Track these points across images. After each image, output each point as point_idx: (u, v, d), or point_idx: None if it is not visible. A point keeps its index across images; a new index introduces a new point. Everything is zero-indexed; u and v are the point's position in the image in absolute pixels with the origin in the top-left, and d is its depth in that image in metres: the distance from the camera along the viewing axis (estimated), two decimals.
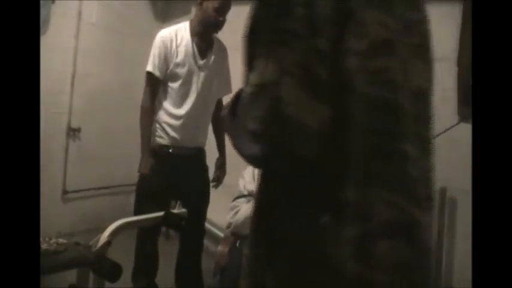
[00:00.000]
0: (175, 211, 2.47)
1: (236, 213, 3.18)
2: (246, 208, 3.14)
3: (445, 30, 3.53)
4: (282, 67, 0.97)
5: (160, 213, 2.44)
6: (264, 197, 1.17)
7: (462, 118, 3.26)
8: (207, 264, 3.40)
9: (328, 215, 1.02)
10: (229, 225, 3.21)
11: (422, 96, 1.13)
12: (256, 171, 3.36)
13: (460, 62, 3.40)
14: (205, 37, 3.29)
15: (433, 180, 1.17)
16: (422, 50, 1.15)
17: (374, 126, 1.02)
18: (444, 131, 3.12)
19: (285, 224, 1.08)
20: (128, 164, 3.54)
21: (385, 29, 1.04)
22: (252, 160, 1.10)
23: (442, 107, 3.45)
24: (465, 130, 2.86)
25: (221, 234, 3.31)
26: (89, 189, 4.44)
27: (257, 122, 0.99)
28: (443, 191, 3.45)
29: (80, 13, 4.29)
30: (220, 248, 3.17)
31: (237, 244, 3.21)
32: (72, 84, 4.31)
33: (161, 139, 3.26)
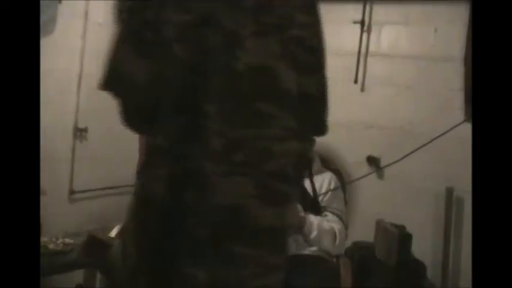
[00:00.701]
0: None
1: None
2: None
3: (452, 31, 3.52)
4: (119, 37, 1.22)
5: None
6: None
7: (469, 118, 3.25)
8: None
9: (146, 158, 1.25)
10: None
11: (263, 73, 1.23)
12: None
13: (467, 62, 3.38)
14: None
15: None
16: (275, 31, 1.26)
17: (183, 85, 1.19)
18: (448, 130, 3.11)
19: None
20: (135, 164, 3.53)
21: (206, 6, 1.20)
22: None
23: (449, 106, 3.47)
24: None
25: None
26: (95, 189, 4.44)
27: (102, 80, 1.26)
28: (449, 190, 3.43)
29: (86, 13, 4.29)
30: None
31: None
32: (79, 84, 4.30)
33: None
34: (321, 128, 1.35)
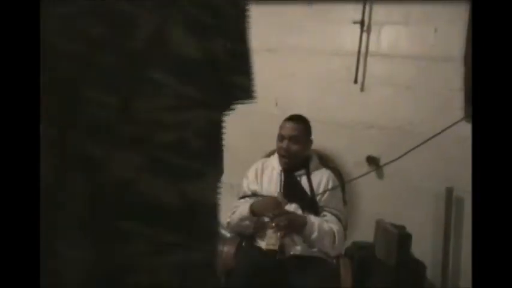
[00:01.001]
0: None
1: (234, 212, 3.17)
2: (243, 208, 3.13)
3: (452, 31, 3.52)
4: None
5: None
6: None
7: (468, 118, 3.24)
8: None
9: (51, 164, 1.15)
10: (227, 225, 3.21)
11: (157, 43, 1.12)
12: (259, 170, 3.36)
13: (467, 62, 3.38)
14: None
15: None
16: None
17: (68, 76, 1.12)
18: (446, 128, 3.11)
19: None
20: None
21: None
22: None
23: (449, 106, 3.47)
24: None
25: (228, 235, 3.30)
26: None
27: None
28: (449, 190, 3.43)
29: None
30: (226, 248, 3.14)
31: (243, 244, 3.19)
32: None
33: None
34: (235, 94, 1.22)
